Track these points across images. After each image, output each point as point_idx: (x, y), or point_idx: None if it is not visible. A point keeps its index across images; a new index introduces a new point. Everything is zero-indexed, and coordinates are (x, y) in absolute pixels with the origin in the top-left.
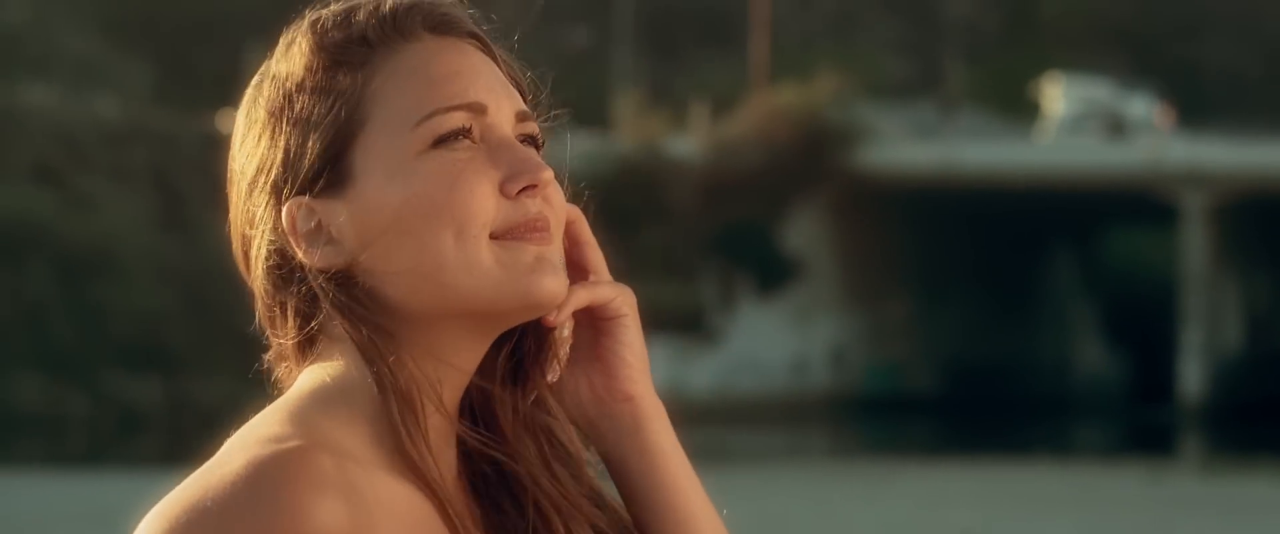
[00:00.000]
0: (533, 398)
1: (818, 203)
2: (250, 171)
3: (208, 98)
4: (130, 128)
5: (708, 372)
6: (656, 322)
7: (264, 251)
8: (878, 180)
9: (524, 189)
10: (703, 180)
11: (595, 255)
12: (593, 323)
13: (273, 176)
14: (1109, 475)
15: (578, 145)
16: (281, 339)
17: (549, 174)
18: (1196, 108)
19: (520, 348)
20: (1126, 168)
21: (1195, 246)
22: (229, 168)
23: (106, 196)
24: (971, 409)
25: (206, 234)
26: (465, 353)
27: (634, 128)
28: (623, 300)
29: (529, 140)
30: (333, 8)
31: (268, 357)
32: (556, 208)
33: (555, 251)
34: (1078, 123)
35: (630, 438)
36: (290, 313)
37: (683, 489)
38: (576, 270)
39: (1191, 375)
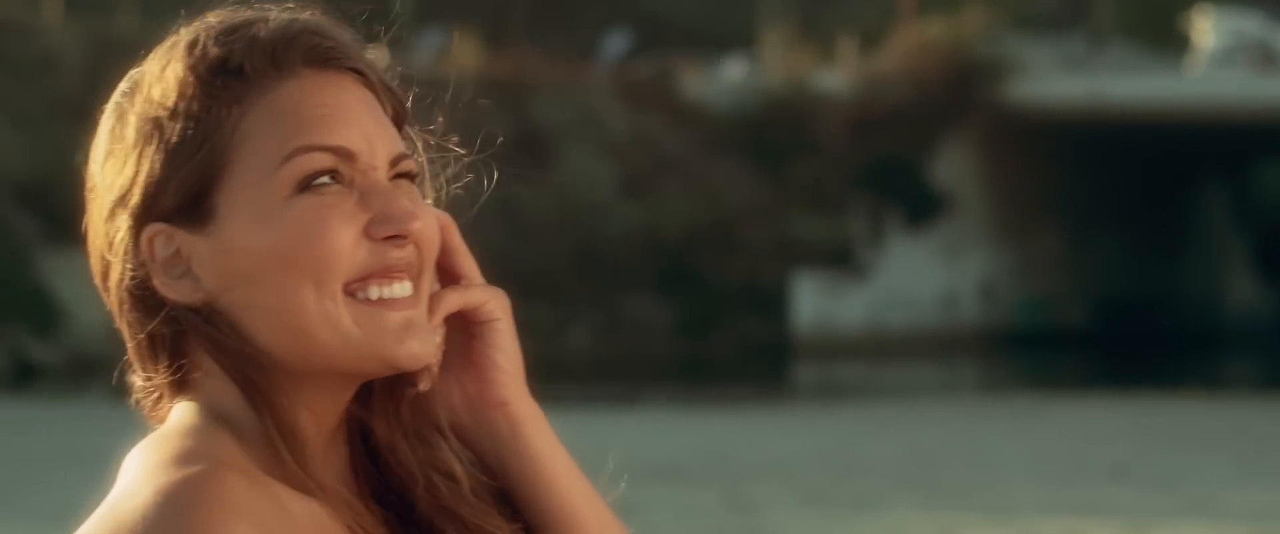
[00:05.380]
0: (405, 406)
1: (966, 137)
2: (113, 194)
3: None
4: None
5: (858, 307)
6: (805, 257)
7: (126, 280)
8: (1026, 114)
9: (390, 237)
10: (851, 114)
11: (467, 261)
12: (466, 327)
13: (134, 202)
14: (1261, 410)
15: (726, 80)
16: (154, 377)
17: (418, 224)
18: None
19: None
20: (1277, 100)
21: None
22: (89, 179)
23: None
24: (1122, 343)
25: None
26: (330, 397)
27: (782, 62)
28: (495, 304)
29: (406, 178)
30: (213, 25)
31: (136, 390)
32: (427, 247)
33: (421, 313)
34: (1228, 55)
35: (507, 444)
36: (160, 347)
37: (566, 491)
38: (448, 277)
39: None
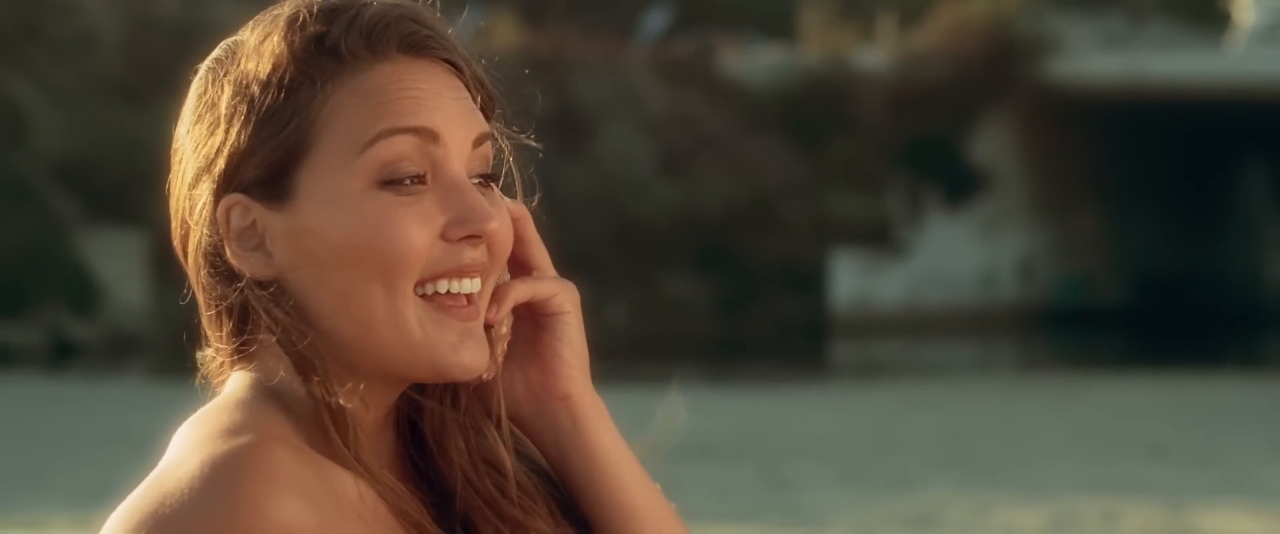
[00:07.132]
0: (462, 392)
1: (1006, 114)
2: (198, 161)
3: None
4: None
5: (896, 284)
6: (843, 235)
7: (203, 246)
8: (1066, 92)
9: (467, 237)
10: (890, 92)
11: (540, 253)
12: (533, 318)
13: (217, 171)
14: None
15: (765, 58)
16: (220, 343)
17: (495, 225)
18: None
19: None
20: None
21: None
22: (175, 141)
23: None
24: (1160, 321)
25: None
26: (381, 388)
27: (821, 40)
28: (565, 297)
29: (484, 179)
30: (316, 3)
31: (204, 355)
32: (499, 249)
33: (480, 324)
34: (1269, 32)
35: (568, 438)
36: (226, 316)
37: (626, 487)
38: (521, 267)
39: None
